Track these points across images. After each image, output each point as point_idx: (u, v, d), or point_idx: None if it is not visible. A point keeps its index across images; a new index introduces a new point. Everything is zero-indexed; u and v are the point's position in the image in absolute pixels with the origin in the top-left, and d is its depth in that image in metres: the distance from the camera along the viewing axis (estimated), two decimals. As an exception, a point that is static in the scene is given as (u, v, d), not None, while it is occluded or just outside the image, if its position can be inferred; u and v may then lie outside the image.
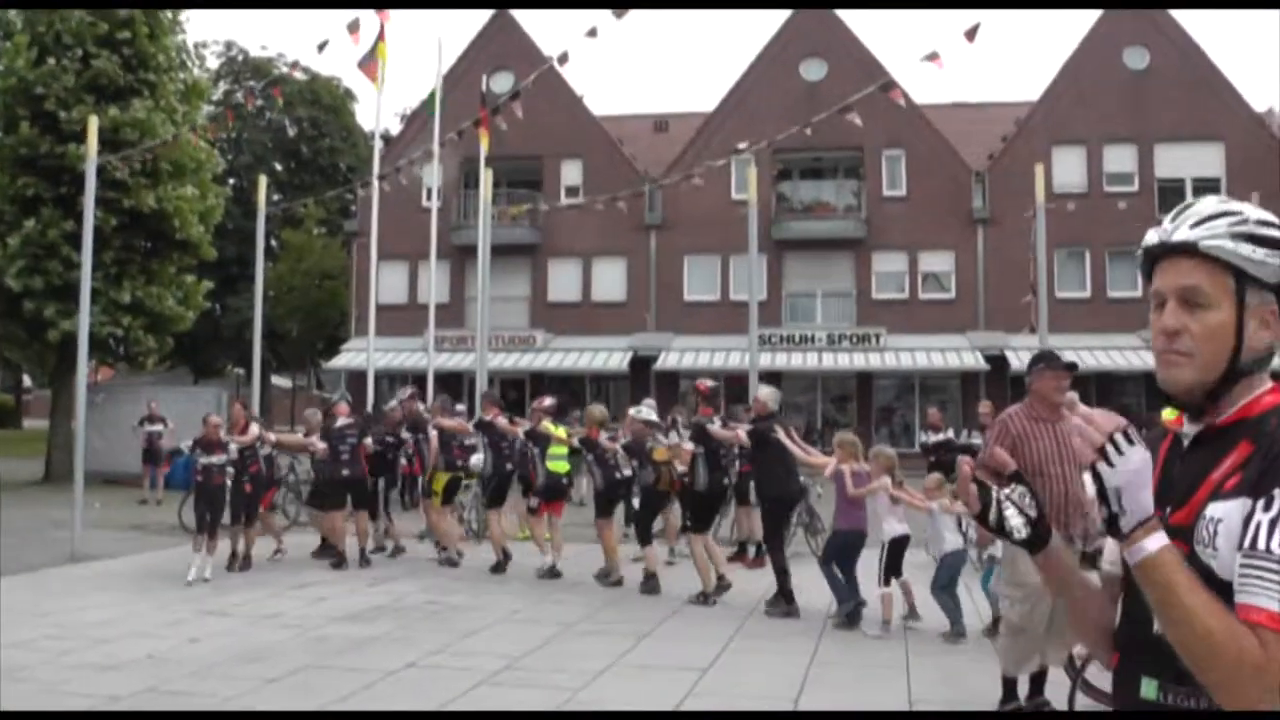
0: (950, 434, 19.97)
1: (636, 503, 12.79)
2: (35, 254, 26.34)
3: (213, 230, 30.57)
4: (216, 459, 12.94)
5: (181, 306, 29.32)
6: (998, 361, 34.50)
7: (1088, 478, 1.79)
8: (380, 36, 24.02)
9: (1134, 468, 1.73)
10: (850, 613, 10.07)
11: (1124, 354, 34.73)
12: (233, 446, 13.15)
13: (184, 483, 18.49)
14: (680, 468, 11.88)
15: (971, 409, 34.19)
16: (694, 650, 9.05)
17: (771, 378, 34.32)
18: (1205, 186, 36.90)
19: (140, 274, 28.30)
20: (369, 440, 14.28)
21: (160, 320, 28.76)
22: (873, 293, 38.11)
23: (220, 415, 14.08)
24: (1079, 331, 34.35)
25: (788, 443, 11.02)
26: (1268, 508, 1.68)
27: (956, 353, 35.88)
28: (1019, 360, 32.74)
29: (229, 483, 13.18)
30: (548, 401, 14.33)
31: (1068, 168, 36.74)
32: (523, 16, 41.18)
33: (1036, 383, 7.24)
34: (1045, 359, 7.37)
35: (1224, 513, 1.75)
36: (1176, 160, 37.22)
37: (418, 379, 34.39)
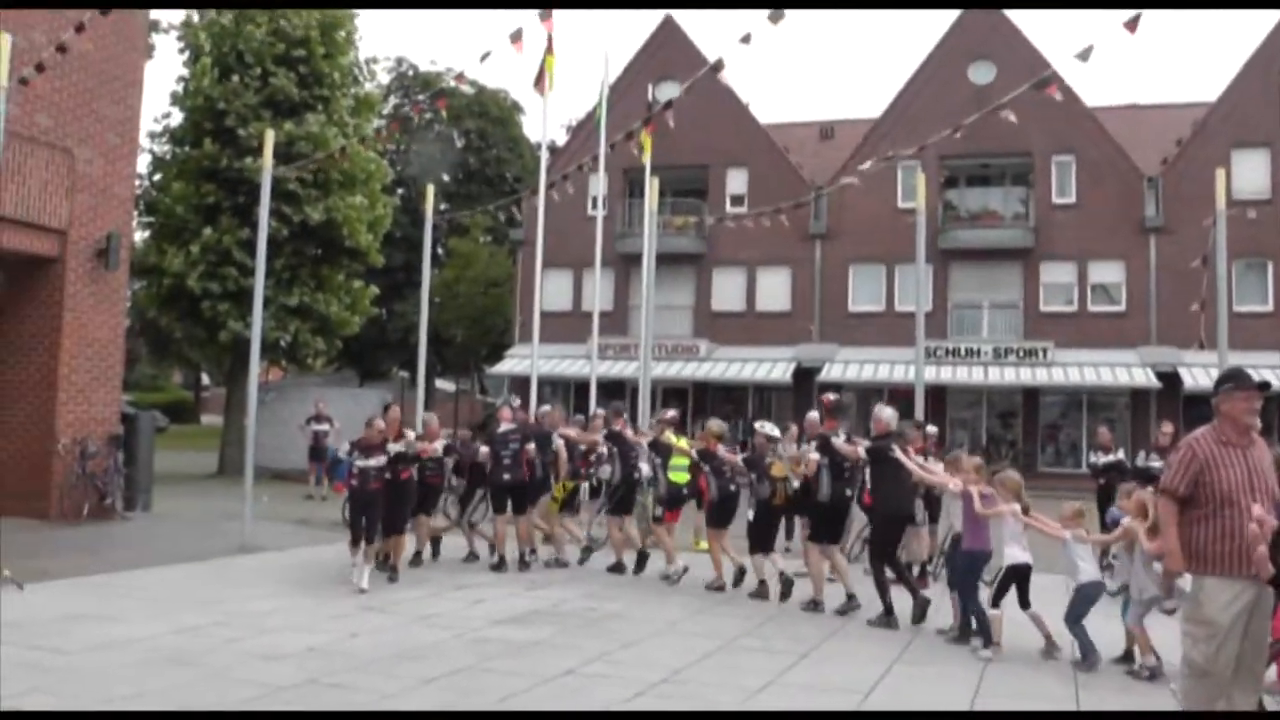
0: (1121, 455, 19.08)
1: (751, 515, 12.73)
2: (213, 260, 27.53)
3: (381, 238, 31.39)
4: (374, 462, 12.23)
5: (348, 311, 30.30)
6: (1170, 379, 33.20)
7: None
8: (548, 49, 24.27)
9: None
10: (960, 632, 10.15)
11: (1313, 373, 33.02)
12: (393, 447, 12.39)
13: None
14: (795, 482, 12.19)
15: (1141, 428, 33.08)
16: (856, 671, 8.78)
17: (936, 392, 33.80)
18: (1400, 193, 34.92)
19: (310, 280, 29.32)
20: (531, 445, 14.30)
21: (327, 324, 29.76)
22: (1040, 305, 37.02)
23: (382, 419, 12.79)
24: (1260, 349, 32.64)
25: (906, 461, 10.99)
26: None
27: (1127, 369, 34.64)
28: (1192, 378, 31.47)
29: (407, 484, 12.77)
30: (670, 413, 15.05)
31: (1249, 172, 34.62)
32: (688, 25, 41.24)
33: (1225, 404, 6.50)
34: (1235, 378, 6.61)
35: None
36: (1369, 163, 35.12)
37: (581, 386, 34.81)
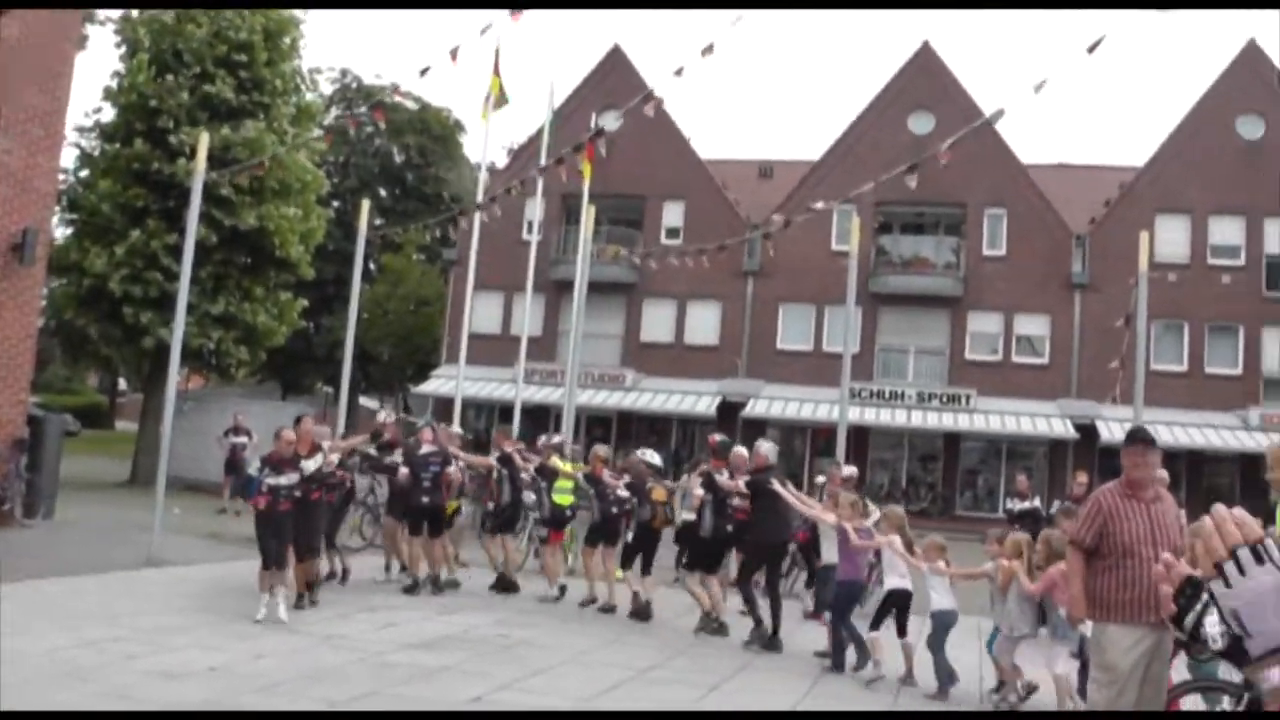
0: (1037, 503, 19.39)
1: (630, 536, 13.49)
2: (138, 263, 26.90)
3: (313, 250, 30.98)
4: (285, 480, 11.33)
5: (275, 322, 29.75)
6: (1088, 431, 33.70)
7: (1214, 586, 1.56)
8: (495, 70, 24.25)
9: (1256, 589, 1.51)
10: (838, 661, 10.58)
11: (1219, 433, 33.74)
12: (307, 465, 11.51)
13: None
14: (689, 515, 12.87)
15: (1058, 477, 33.51)
16: (765, 702, 8.80)
17: (859, 432, 34.04)
18: (1315, 265, 35.88)
19: (237, 289, 28.78)
20: (452, 469, 14.19)
21: (253, 334, 29.19)
22: (966, 352, 37.48)
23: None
24: (1174, 407, 33.44)
25: (783, 493, 11.76)
26: None
27: (1046, 419, 35.13)
28: (1109, 431, 31.95)
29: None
30: (556, 439, 15.79)
31: (1171, 237, 35.62)
32: (636, 56, 41.36)
33: (1123, 459, 6.92)
34: (1129, 436, 7.11)
35: None
36: (1287, 235, 36.10)
37: (505, 410, 34.61)
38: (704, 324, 39.19)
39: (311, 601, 11.88)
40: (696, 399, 37.12)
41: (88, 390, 70.38)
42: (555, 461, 14.72)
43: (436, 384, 38.18)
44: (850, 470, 15.71)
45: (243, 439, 23.20)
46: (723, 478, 12.34)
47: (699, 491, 12.48)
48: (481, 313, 36.11)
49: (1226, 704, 7.01)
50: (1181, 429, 33.29)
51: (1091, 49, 13.40)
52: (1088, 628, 8.23)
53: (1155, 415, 29.14)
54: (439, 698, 8.21)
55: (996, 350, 37.33)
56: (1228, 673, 7.35)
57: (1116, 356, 20.02)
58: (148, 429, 28.02)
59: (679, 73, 15.40)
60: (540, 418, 36.08)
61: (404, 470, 13.91)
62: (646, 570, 13.13)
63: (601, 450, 14.66)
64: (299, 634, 10.41)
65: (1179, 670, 8.13)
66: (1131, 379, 15.89)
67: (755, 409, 36.06)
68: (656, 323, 39.55)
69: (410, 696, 8.22)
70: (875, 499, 25.64)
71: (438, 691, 8.43)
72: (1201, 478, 34.35)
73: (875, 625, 10.34)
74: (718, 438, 14.10)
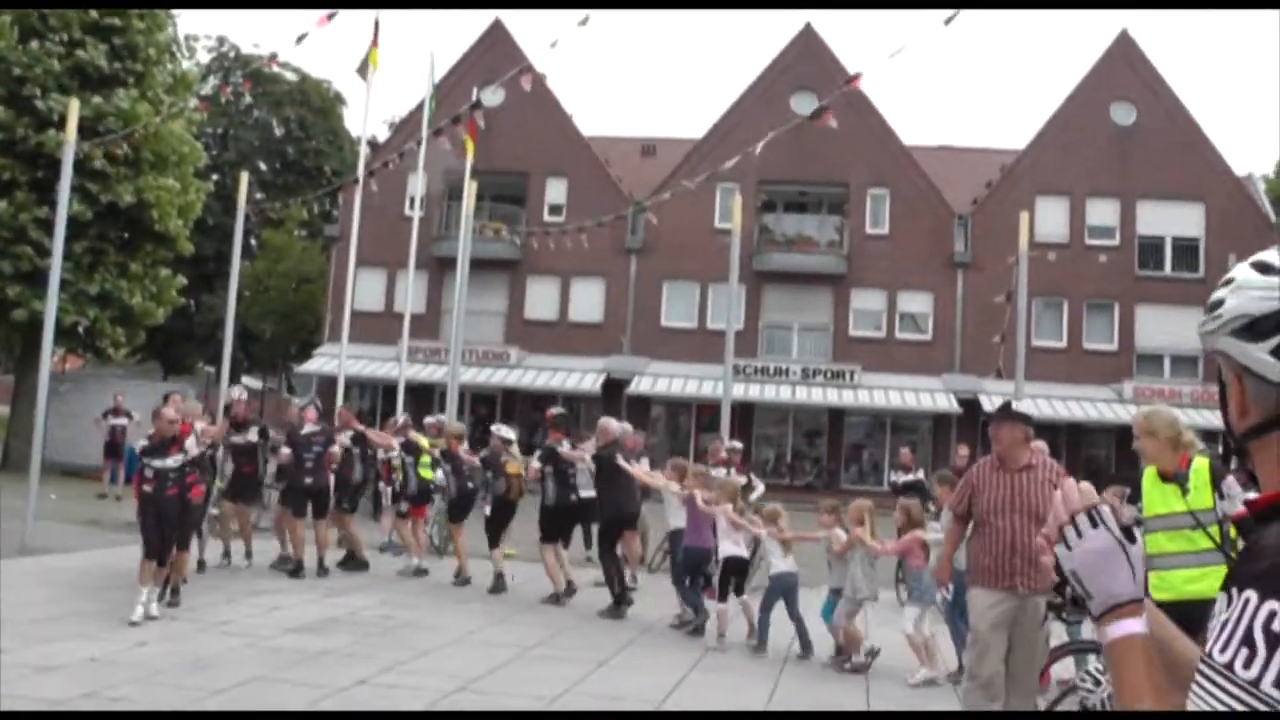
0: (921, 475, 19.77)
1: (488, 509, 13.83)
2: (6, 237, 25.95)
3: (192, 225, 30.26)
4: (171, 462, 10.55)
5: (153, 301, 28.95)
6: (971, 405, 34.51)
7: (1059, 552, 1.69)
8: (374, 42, 23.89)
9: (1092, 550, 1.64)
10: (697, 626, 11.14)
11: (1096, 405, 34.90)
12: (189, 446, 10.76)
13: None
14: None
15: (943, 451, 34.27)
16: (651, 680, 8.90)
17: (744, 409, 34.40)
18: (1185, 245, 37.28)
19: (114, 265, 27.94)
20: (335, 449, 14.09)
21: (130, 313, 28.38)
22: (850, 330, 38.08)
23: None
24: (1053, 380, 34.53)
25: (627, 467, 12.37)
26: (1226, 606, 1.46)
27: (930, 394, 35.90)
28: (991, 404, 32.74)
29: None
30: (402, 419, 16.26)
31: (1051, 218, 36.82)
32: (516, 30, 41.07)
33: (994, 431, 7.32)
34: (1000, 411, 7.57)
35: (1217, 608, 1.53)
36: (1158, 217, 37.49)
37: (389, 389, 34.29)
38: (588, 301, 39.21)
39: (172, 603, 10.91)
40: (581, 376, 37.15)
41: (-47, 370, 67.99)
42: (417, 437, 15.24)
43: (320, 362, 37.64)
44: (735, 445, 15.99)
45: (123, 420, 22.68)
46: (564, 448, 12.82)
47: (536, 464, 13.01)
48: (364, 290, 35.64)
49: (1094, 661, 7.31)
50: (1061, 402, 34.36)
51: (948, 21, 13.89)
52: (948, 591, 8.81)
53: (1036, 389, 30.02)
54: (325, 681, 8.17)
55: (880, 327, 37.99)
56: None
57: (998, 333, 20.56)
58: (20, 412, 27.13)
59: (554, 45, 15.51)
60: (425, 396, 35.82)
61: (285, 450, 13.78)
62: (496, 543, 13.48)
63: (455, 426, 15.16)
64: (182, 621, 10.26)
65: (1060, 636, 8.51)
66: (1013, 355, 16.33)
67: (640, 386, 36.24)
68: (540, 300, 39.46)
69: (295, 681, 8.17)
70: (760, 474, 26.04)
71: (323, 675, 8.39)
72: (1080, 449, 35.51)
73: (722, 596, 10.87)
74: (555, 411, 14.70)
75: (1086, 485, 1.73)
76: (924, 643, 9.58)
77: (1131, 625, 1.62)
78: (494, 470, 13.55)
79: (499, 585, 13.12)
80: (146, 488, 10.57)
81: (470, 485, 14.18)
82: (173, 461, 10.54)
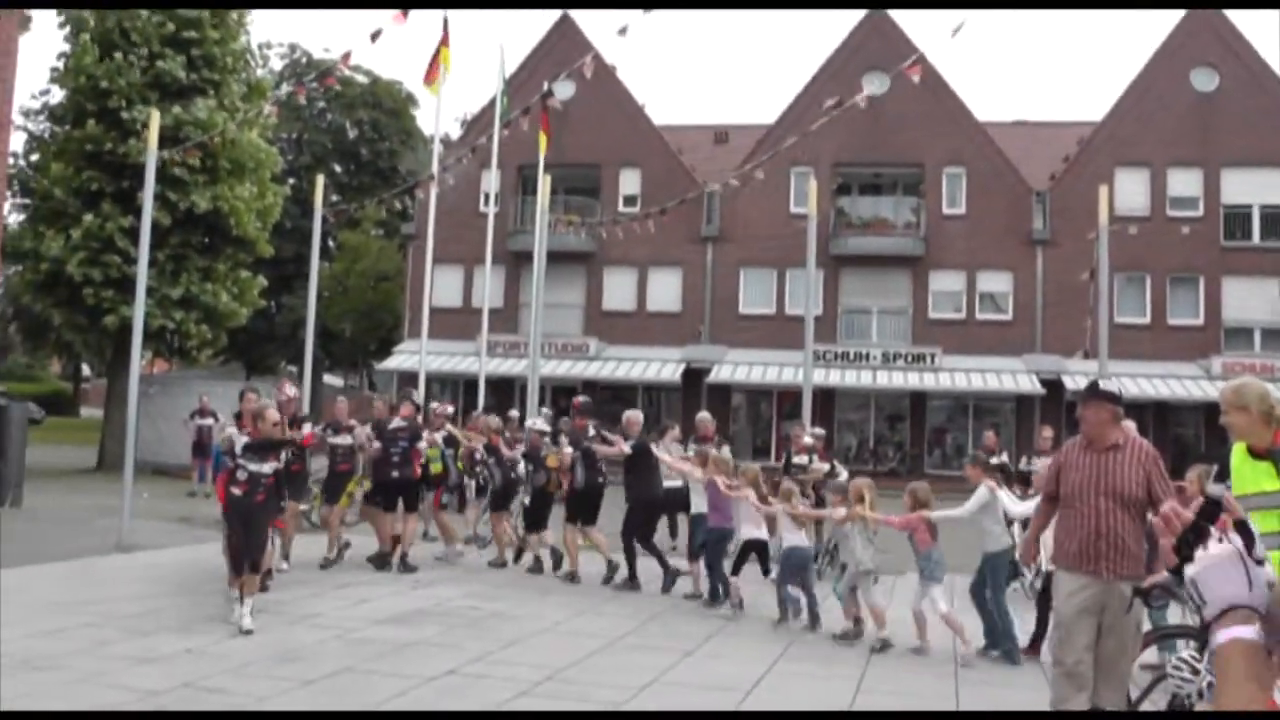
0: (1005, 458, 19.52)
1: (527, 500, 14.50)
2: (95, 246, 26.68)
3: (270, 229, 30.80)
4: (269, 468, 10.13)
5: (235, 302, 29.55)
6: (1054, 386, 34.02)
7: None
8: (444, 41, 24.06)
9: (1211, 560, 1.73)
10: (710, 598, 12.04)
11: (1183, 383, 34.19)
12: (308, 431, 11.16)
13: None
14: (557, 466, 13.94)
15: (1026, 433, 33.79)
16: (738, 669, 8.85)
17: (825, 395, 34.21)
18: (1273, 214, 36.30)
19: (196, 269, 28.56)
20: (422, 444, 14.17)
21: (213, 315, 29.01)
22: (929, 312, 37.70)
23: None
24: (1138, 359, 33.87)
25: (661, 455, 13.28)
26: None
27: (1012, 375, 35.42)
28: (1075, 385, 32.25)
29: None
30: (437, 407, 16.38)
31: (1130, 190, 36.03)
32: (585, 23, 41.06)
33: (1081, 411, 7.08)
34: (1087, 390, 7.23)
35: None
36: (1244, 186, 36.49)
37: (469, 383, 34.56)
38: (665, 291, 39.21)
39: (263, 588, 10.71)
40: (661, 366, 37.19)
41: (50, 378, 69.81)
42: (452, 430, 16.04)
43: (400, 359, 38.06)
44: (818, 431, 15.94)
45: (209, 420, 23.11)
46: (599, 447, 13.45)
47: (569, 450, 13.77)
48: (442, 286, 36.02)
49: (1181, 647, 7.15)
50: (1146, 380, 33.71)
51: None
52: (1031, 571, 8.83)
53: (1120, 368, 29.43)
54: (413, 672, 8.24)
55: (960, 308, 37.56)
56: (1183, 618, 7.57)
57: (1079, 310, 20.23)
58: (113, 414, 27.86)
59: (623, 31, 15.67)
60: (505, 389, 36.08)
61: (375, 444, 13.88)
62: (543, 527, 14.06)
63: (493, 421, 15.73)
64: (272, 613, 10.39)
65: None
66: (1096, 332, 16.08)
67: (720, 374, 36.20)
68: (618, 291, 39.54)
69: (385, 671, 8.25)
70: (843, 460, 25.89)
71: (411, 666, 8.46)
72: (1168, 427, 34.83)
73: (735, 570, 11.76)
74: (581, 399, 15.23)
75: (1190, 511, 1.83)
76: (946, 619, 9.86)
77: (1241, 630, 1.65)
78: (534, 463, 14.12)
79: (536, 566, 13.93)
80: (236, 490, 10.02)
81: (513, 476, 14.82)
82: (269, 468, 10.10)
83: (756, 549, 11.86)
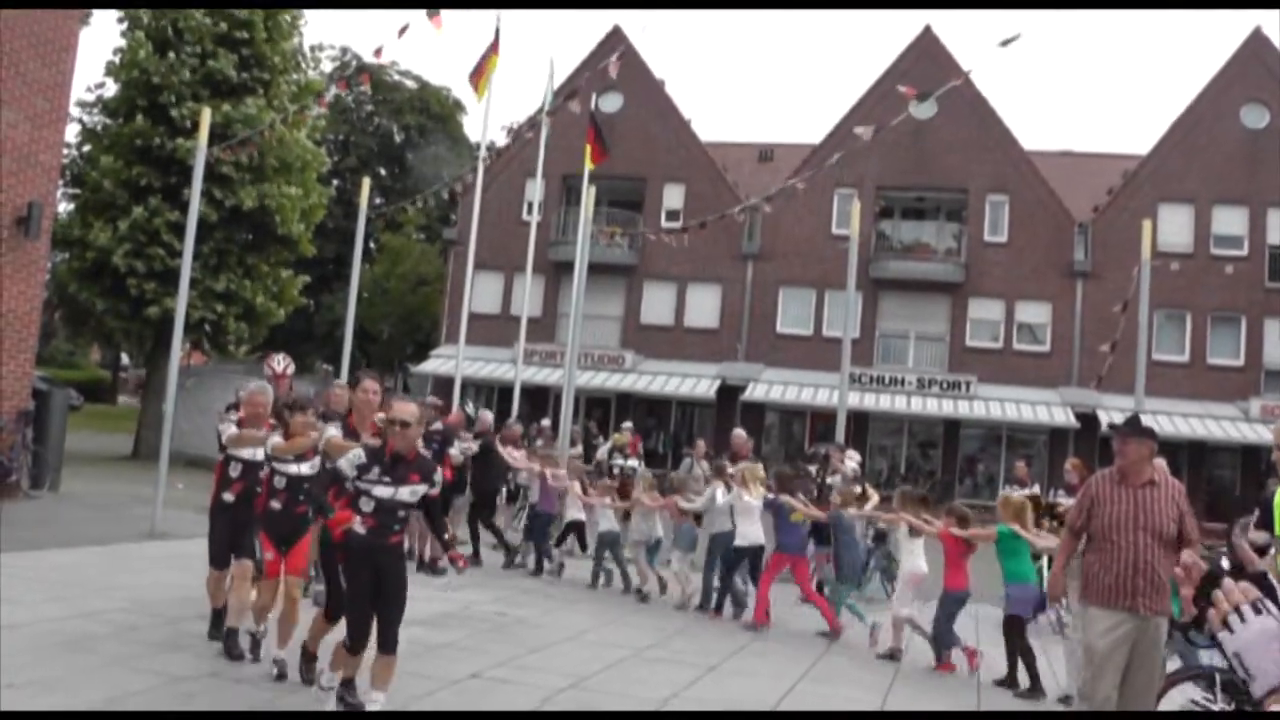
0: (1036, 489, 19.43)
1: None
2: (140, 238, 27.03)
3: (314, 229, 31.04)
4: (308, 468, 8.17)
5: (275, 300, 29.85)
6: (1089, 420, 33.76)
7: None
8: (494, 48, 24.17)
9: (1252, 635, 1.70)
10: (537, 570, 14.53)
11: (1220, 424, 33.80)
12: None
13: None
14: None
15: (1059, 466, 33.50)
16: (761, 686, 8.85)
17: (859, 418, 34.08)
18: (1317, 256, 35.90)
19: (238, 265, 28.89)
20: (454, 451, 14.06)
21: (253, 311, 29.32)
22: (966, 339, 37.51)
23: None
24: (1175, 397, 33.57)
25: (501, 451, 15.21)
26: None
27: (1047, 407, 35.18)
28: (1109, 420, 32.04)
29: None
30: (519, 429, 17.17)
31: (1174, 226, 35.63)
32: (635, 36, 41.14)
33: (1120, 445, 7.04)
34: (1127, 424, 7.20)
35: None
36: (1291, 226, 36.10)
37: (505, 390, 34.65)
38: (704, 306, 39.20)
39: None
40: (696, 381, 37.18)
41: (90, 365, 70.39)
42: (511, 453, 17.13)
43: (436, 364, 38.20)
44: (853, 455, 15.89)
45: (245, 415, 23.24)
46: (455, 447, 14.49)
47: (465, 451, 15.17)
48: (481, 293, 36.11)
49: (1205, 686, 7.13)
50: (1183, 419, 33.36)
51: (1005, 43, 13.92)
52: (1062, 607, 8.85)
53: (1156, 405, 29.21)
54: (437, 674, 8.28)
55: (997, 337, 37.36)
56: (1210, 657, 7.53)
57: (1120, 344, 20.07)
58: (150, 404, 28.14)
59: (644, 29, 15.89)
60: (540, 398, 36.16)
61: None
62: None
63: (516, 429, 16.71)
64: (303, 609, 10.44)
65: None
66: (1133, 369, 15.96)
67: (755, 392, 36.14)
68: (656, 305, 39.57)
69: (410, 672, 8.25)
70: (874, 485, 25.76)
71: (436, 668, 8.50)
72: (1203, 468, 34.46)
73: (558, 543, 14.80)
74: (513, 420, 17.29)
75: (1246, 585, 1.79)
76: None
77: None
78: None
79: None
80: (275, 504, 8.16)
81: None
82: (308, 468, 8.19)
83: (576, 529, 14.77)
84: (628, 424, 22.14)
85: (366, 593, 6.68)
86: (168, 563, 12.45)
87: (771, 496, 12.06)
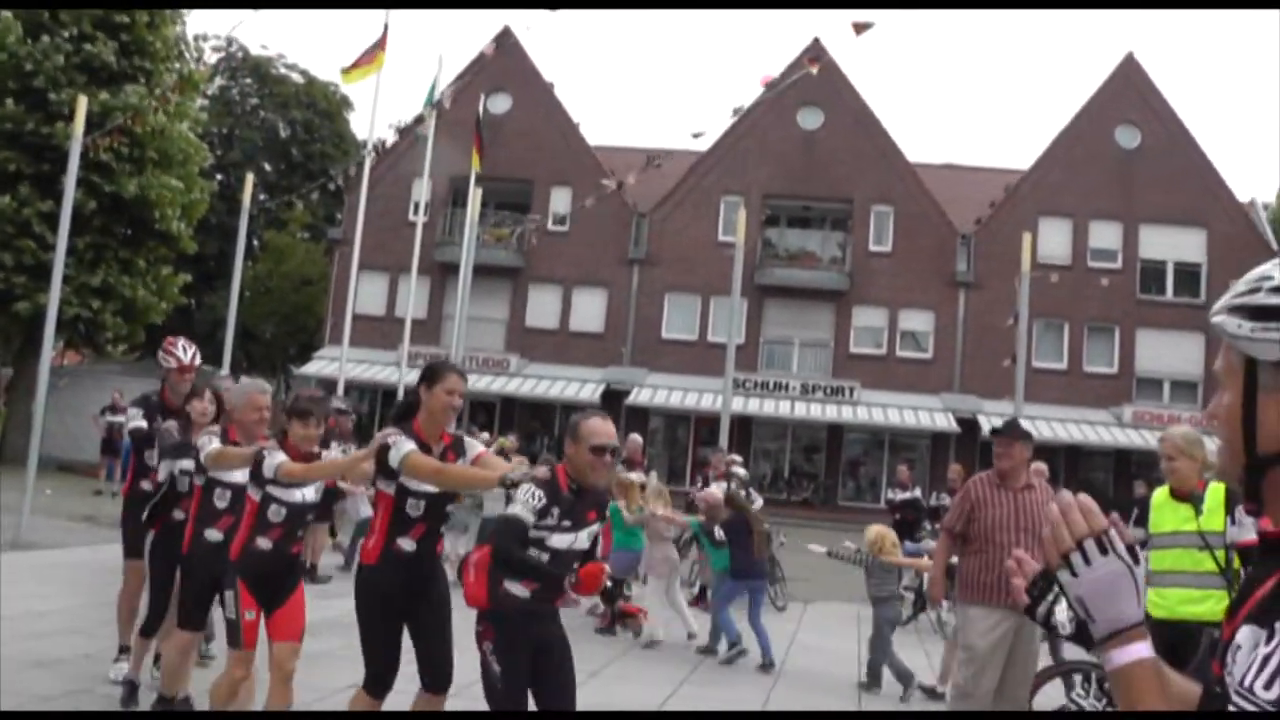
0: (918, 493, 19.81)
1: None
2: (9, 231, 26.04)
3: (195, 224, 30.31)
4: (310, 495, 6.31)
5: (155, 297, 29.01)
6: (969, 425, 34.50)
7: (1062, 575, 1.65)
8: (380, 45, 23.92)
9: (1100, 578, 1.59)
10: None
11: (1095, 429, 34.90)
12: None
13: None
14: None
15: (940, 470, 34.22)
16: (643, 692, 8.86)
17: (743, 423, 34.35)
18: (1187, 271, 37.32)
19: (115, 261, 28.00)
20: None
21: (131, 307, 28.44)
22: (850, 346, 38.06)
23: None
24: (1053, 403, 34.54)
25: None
26: (1269, 640, 1.42)
27: (929, 413, 35.86)
28: (990, 425, 32.71)
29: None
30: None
31: (1053, 239, 36.92)
32: (525, 39, 40.96)
33: (1002, 449, 7.24)
34: (1006, 428, 7.47)
35: (1243, 639, 1.49)
36: (1160, 242, 37.53)
37: (388, 393, 34.25)
38: (590, 311, 39.17)
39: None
40: (581, 385, 37.11)
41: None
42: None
43: (320, 365, 37.58)
44: (734, 457, 15.92)
45: (121, 418, 22.61)
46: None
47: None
48: (365, 293, 35.64)
49: (1079, 682, 7.30)
50: (1060, 424, 34.37)
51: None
52: (943, 609, 8.99)
53: (1035, 410, 29.97)
54: (318, 684, 8.12)
55: (881, 344, 37.98)
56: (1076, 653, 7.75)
57: (998, 353, 20.58)
58: (17, 405, 27.15)
59: (529, 28, 15.89)
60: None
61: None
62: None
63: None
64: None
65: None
66: (1013, 375, 16.38)
67: (639, 397, 36.21)
68: (542, 308, 39.43)
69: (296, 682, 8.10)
70: (758, 489, 25.97)
71: (315, 678, 8.32)
72: (1078, 471, 35.49)
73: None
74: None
75: (1085, 497, 1.68)
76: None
77: (1140, 649, 1.58)
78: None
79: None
80: (263, 542, 6.12)
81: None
82: (313, 493, 6.40)
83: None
84: (512, 435, 21.92)
85: (526, 683, 5.11)
86: (34, 574, 12.00)
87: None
